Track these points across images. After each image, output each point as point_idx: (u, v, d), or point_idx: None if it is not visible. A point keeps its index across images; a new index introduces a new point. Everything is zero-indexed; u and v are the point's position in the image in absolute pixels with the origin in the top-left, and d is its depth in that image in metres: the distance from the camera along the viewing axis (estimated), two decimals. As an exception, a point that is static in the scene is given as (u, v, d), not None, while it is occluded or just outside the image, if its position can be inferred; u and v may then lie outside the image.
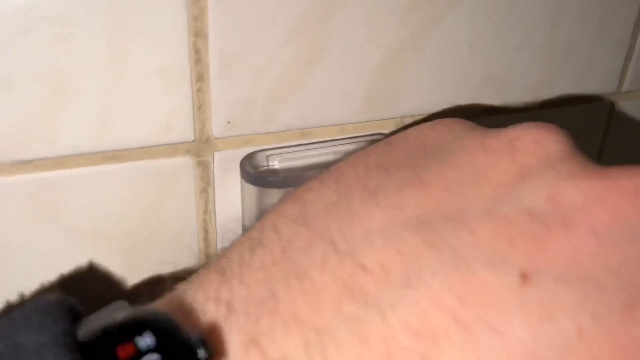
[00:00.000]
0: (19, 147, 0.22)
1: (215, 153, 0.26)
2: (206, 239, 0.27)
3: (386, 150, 0.22)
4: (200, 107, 0.24)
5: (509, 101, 0.32)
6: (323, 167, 0.27)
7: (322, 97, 0.26)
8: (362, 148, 0.23)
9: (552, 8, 0.30)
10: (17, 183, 0.23)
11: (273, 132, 0.26)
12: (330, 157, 0.27)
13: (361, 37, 0.26)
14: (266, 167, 0.26)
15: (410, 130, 0.23)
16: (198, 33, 0.23)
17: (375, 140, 0.28)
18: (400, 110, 0.29)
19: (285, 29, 0.24)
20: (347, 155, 0.23)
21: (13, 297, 0.24)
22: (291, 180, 0.24)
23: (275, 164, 0.26)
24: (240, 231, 0.27)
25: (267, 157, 0.26)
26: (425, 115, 0.29)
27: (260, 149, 0.26)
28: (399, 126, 0.29)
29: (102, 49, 0.22)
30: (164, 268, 0.27)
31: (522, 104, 0.32)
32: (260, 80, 0.25)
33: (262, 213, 0.25)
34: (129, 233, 0.25)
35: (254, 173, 0.25)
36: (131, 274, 0.26)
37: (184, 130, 0.25)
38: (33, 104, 0.22)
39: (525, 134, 0.20)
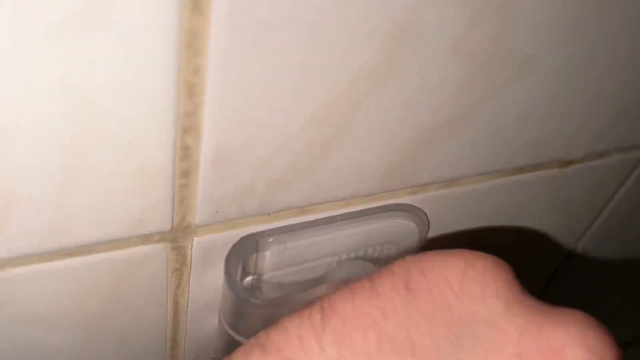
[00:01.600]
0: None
1: (195, 239, 0.21)
2: (176, 310, 0.24)
3: (371, 296, 0.19)
4: (182, 201, 0.19)
5: (542, 161, 0.27)
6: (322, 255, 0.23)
7: (333, 178, 0.22)
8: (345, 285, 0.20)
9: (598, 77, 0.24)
10: (-56, 290, 0.18)
11: (268, 214, 0.22)
12: (333, 238, 0.23)
13: (394, 118, 0.20)
14: (255, 257, 0.22)
15: (398, 276, 0.19)
16: (188, 129, 0.17)
17: (388, 207, 0.24)
18: (421, 179, 0.24)
19: (303, 119, 0.19)
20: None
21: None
22: (275, 303, 0.20)
23: (267, 254, 0.22)
24: (215, 312, 0.24)
25: (258, 242, 0.22)
26: (447, 181, 0.25)
27: (251, 231, 0.22)
28: (416, 194, 0.24)
29: (56, 156, 0.16)
30: (128, 341, 0.24)
31: (557, 161, 0.28)
32: (262, 170, 0.20)
33: (241, 316, 0.21)
34: (87, 312, 0.22)
35: (240, 279, 0.21)
36: (90, 351, 0.23)
37: (160, 222, 0.20)
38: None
39: None
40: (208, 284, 0.23)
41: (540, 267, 0.36)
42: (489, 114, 0.22)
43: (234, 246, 0.21)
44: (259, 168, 0.19)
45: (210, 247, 0.21)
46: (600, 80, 0.24)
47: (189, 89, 0.16)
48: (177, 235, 0.20)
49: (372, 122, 0.20)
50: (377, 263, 0.25)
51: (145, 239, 0.20)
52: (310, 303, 0.19)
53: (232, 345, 0.22)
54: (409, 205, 0.25)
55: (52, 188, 0.17)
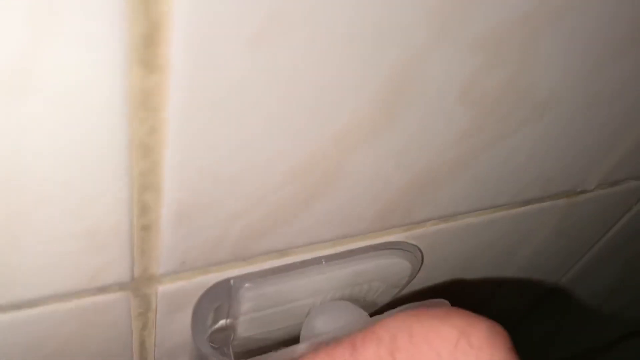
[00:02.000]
0: None
1: (160, 287, 0.19)
2: (142, 349, 0.22)
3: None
4: (143, 254, 0.17)
5: (551, 193, 0.25)
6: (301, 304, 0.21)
7: (318, 223, 0.19)
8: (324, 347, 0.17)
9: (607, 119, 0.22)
10: None
11: (243, 259, 0.19)
12: (316, 280, 0.21)
13: (389, 165, 0.18)
14: (224, 323, 0.20)
15: (384, 343, 0.17)
16: (146, 187, 0.15)
17: (379, 247, 0.22)
18: (415, 219, 0.22)
19: (282, 172, 0.16)
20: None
21: None
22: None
23: (243, 299, 0.20)
24: (184, 355, 0.22)
25: (232, 287, 0.20)
26: (446, 217, 0.22)
27: (225, 277, 0.20)
28: (409, 231, 0.22)
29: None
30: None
31: (565, 192, 0.25)
32: (235, 221, 0.17)
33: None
34: (47, 356, 0.20)
35: (205, 342, 0.19)
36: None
37: (118, 275, 0.17)
38: None
39: None
40: (177, 325, 0.21)
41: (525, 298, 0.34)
42: (497, 156, 0.20)
43: (205, 293, 0.19)
44: (232, 219, 0.17)
45: (177, 294, 0.19)
46: (621, 116, 0.21)
47: (144, 149, 0.14)
48: (139, 285, 0.18)
49: (364, 169, 0.18)
50: (363, 302, 0.23)
51: (103, 290, 0.18)
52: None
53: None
54: (402, 242, 0.22)
55: (-12, 251, 0.14)
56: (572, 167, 0.23)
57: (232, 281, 0.19)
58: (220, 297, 0.19)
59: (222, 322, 0.21)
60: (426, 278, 0.26)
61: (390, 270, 0.23)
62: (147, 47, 0.11)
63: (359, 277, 0.22)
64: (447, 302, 0.20)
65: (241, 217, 0.17)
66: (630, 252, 0.35)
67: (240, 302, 0.20)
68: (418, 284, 0.26)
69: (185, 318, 0.21)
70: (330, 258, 0.21)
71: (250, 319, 0.21)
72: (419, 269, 0.24)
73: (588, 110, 0.20)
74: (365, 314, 0.22)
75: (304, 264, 0.20)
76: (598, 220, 0.29)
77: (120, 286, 0.18)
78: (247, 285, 0.20)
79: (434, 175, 0.19)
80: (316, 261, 0.21)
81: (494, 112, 0.18)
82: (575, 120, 0.20)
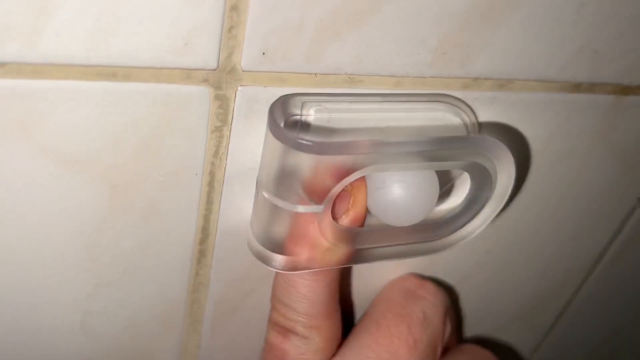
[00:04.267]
0: (-12, 44, 0.17)
1: (239, 87, 0.20)
2: (210, 184, 0.22)
3: None
4: (230, 30, 0.19)
5: (601, 80, 0.26)
6: (365, 130, 0.22)
7: (384, 40, 0.21)
8: None
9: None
10: (-17, 87, 0.17)
11: (315, 74, 0.21)
12: (379, 116, 0.22)
13: (452, -28, 0.20)
14: (299, 118, 0.21)
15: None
16: None
17: (438, 98, 0.23)
18: (475, 70, 0.23)
19: (360, -55, 0.18)
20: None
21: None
22: (326, 148, 0.19)
23: (311, 114, 0.21)
24: (253, 184, 0.22)
25: (303, 104, 0.21)
26: (502, 81, 0.24)
27: (295, 92, 0.21)
28: (468, 88, 0.23)
29: None
30: (152, 213, 0.22)
31: (616, 86, 0.26)
32: (311, 9, 0.19)
33: (283, 173, 0.20)
34: (119, 164, 0.21)
35: (285, 125, 0.19)
36: (113, 216, 0.22)
37: (205, 54, 0.19)
38: (11, -10, 0.16)
39: None
40: (249, 160, 0.22)
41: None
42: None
43: (278, 99, 0.20)
44: (308, 4, 0.19)
45: (253, 101, 0.21)
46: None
47: None
48: (221, 79, 0.20)
49: (430, -31, 0.19)
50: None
51: (189, 75, 0.19)
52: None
53: (271, 215, 0.21)
54: (457, 98, 0.23)
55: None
56: (619, 47, 0.24)
57: (302, 96, 0.21)
58: (291, 108, 0.21)
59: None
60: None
61: (444, 125, 0.23)
62: None
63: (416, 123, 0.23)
64: None
65: (316, 3, 0.19)
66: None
67: (307, 120, 0.21)
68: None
69: (255, 149, 0.22)
70: (389, 98, 0.22)
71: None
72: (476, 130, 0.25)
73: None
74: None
75: (364, 97, 0.22)
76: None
77: (205, 75, 0.19)
78: (316, 104, 0.21)
79: (491, 4, 0.21)
80: (376, 98, 0.22)
81: None
82: (619, -32, 0.22)
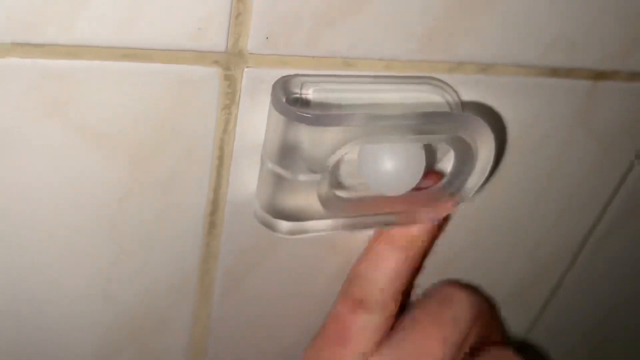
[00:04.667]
0: (30, 28, 0.19)
1: (246, 69, 0.23)
2: (220, 159, 0.25)
3: None
4: (238, 16, 0.21)
5: (577, 66, 0.28)
6: (359, 107, 0.24)
7: (375, 26, 0.23)
8: None
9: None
10: (24, 66, 0.20)
11: (313, 57, 0.23)
12: (371, 96, 0.25)
13: (434, -35, 0.22)
14: (299, 95, 0.23)
15: None
16: None
17: (424, 81, 0.25)
18: (459, 55, 0.25)
19: (351, -59, 0.21)
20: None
21: (11, 190, 0.22)
22: (323, 119, 0.22)
23: (310, 92, 0.23)
24: (258, 158, 0.25)
25: (302, 83, 0.23)
26: (484, 65, 0.26)
27: (296, 73, 0.23)
28: (453, 72, 0.26)
29: None
30: (168, 187, 0.25)
31: (589, 71, 0.29)
32: (311, -3, 0.22)
33: (285, 144, 0.22)
34: (139, 140, 0.23)
35: (286, 102, 0.22)
36: (134, 188, 0.24)
37: (215, 39, 0.22)
38: (50, -20, 0.19)
39: None
40: (254, 136, 0.24)
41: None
42: (522, -19, 0.24)
43: (280, 79, 0.23)
44: (308, -7, 0.21)
45: (258, 81, 0.23)
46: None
47: None
48: (229, 61, 0.22)
49: (413, -38, 0.22)
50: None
51: (202, 57, 0.22)
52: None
53: (275, 185, 0.23)
54: (442, 81, 0.26)
55: (129, -34, 0.19)
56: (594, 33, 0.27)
57: (302, 77, 0.23)
58: (292, 86, 0.23)
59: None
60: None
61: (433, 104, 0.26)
62: None
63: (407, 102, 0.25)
64: None
65: (316, -8, 0.22)
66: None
67: (307, 97, 0.23)
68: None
69: (260, 125, 0.24)
70: (381, 79, 0.25)
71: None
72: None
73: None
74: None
75: (358, 77, 0.24)
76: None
77: (215, 57, 0.22)
78: (315, 83, 0.23)
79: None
80: (369, 79, 0.24)
81: None
82: (586, -38, 0.24)
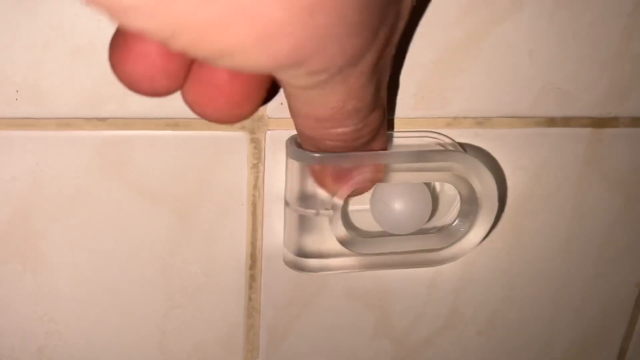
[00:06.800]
0: (95, 106, 0.25)
1: (267, 131, 0.28)
2: (254, 214, 0.29)
3: None
4: (256, 87, 0.27)
5: (571, 114, 0.31)
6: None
7: (373, 89, 0.28)
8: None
9: (623, 21, 0.29)
10: (90, 137, 0.26)
11: (323, 118, 0.28)
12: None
13: (414, 34, 0.27)
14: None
15: None
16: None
17: (425, 134, 0.29)
18: (453, 110, 0.29)
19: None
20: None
21: (73, 245, 0.27)
22: (332, 159, 0.25)
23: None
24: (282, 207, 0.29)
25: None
26: (479, 118, 0.30)
27: (309, 132, 0.28)
28: (451, 126, 0.30)
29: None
30: (211, 240, 0.29)
31: (587, 119, 0.31)
32: (314, 66, 0.27)
33: (302, 186, 0.26)
34: (182, 195, 0.28)
35: (298, 147, 0.26)
36: (181, 241, 0.29)
37: (239, 107, 0.27)
38: (109, 67, 0.25)
39: None
40: (280, 187, 0.29)
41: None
42: (498, 41, 0.28)
43: (293, 135, 0.27)
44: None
45: (278, 141, 0.28)
46: None
47: None
48: (254, 125, 0.27)
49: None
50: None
51: (230, 124, 0.27)
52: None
53: (297, 226, 0.27)
54: (441, 133, 0.29)
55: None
56: (587, 83, 0.30)
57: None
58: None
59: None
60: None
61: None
62: None
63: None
64: None
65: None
66: None
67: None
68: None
69: (282, 180, 0.28)
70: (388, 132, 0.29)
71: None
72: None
73: None
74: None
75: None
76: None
77: (242, 124, 0.27)
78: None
79: (453, 55, 0.28)
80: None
81: (479, -9, 0.27)
82: (554, 22, 0.29)
